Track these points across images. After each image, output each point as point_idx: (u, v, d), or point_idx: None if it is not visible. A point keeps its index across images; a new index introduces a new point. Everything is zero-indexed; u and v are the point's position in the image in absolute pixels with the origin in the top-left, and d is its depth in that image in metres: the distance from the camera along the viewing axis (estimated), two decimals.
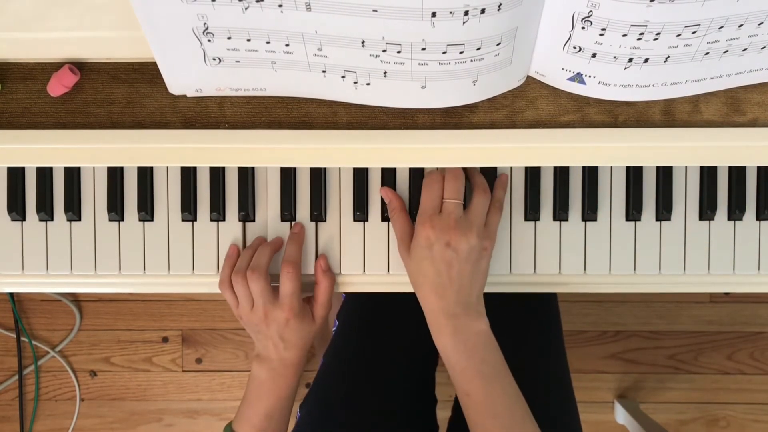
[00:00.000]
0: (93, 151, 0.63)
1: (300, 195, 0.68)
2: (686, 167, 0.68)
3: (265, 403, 0.68)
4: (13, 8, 0.58)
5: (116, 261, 0.69)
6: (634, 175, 0.68)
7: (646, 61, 0.56)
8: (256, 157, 0.63)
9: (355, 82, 0.58)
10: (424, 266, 0.62)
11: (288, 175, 0.68)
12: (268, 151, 0.63)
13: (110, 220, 0.68)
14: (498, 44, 0.54)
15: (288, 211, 0.68)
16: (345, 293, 0.96)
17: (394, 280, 0.68)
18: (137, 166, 0.68)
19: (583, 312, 1.45)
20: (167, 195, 0.68)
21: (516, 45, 0.56)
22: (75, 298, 1.47)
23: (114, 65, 0.63)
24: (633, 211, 0.68)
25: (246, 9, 0.51)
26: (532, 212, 0.68)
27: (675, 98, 0.62)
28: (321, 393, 0.83)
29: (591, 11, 0.52)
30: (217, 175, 0.68)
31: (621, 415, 1.40)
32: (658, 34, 0.53)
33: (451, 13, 0.49)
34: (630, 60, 0.56)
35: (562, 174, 0.68)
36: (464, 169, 0.66)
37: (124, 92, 0.63)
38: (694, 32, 0.53)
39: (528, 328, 0.84)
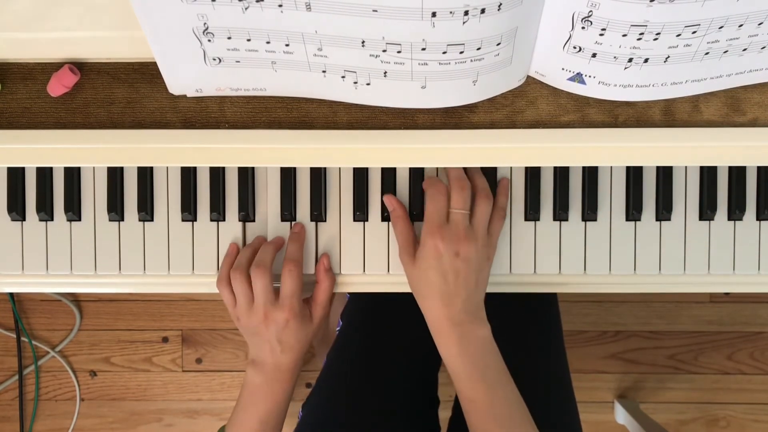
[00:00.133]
0: (93, 151, 0.63)
1: (300, 195, 0.68)
2: (686, 167, 0.68)
3: (260, 408, 0.67)
4: (13, 8, 0.58)
5: (116, 261, 0.69)
6: (634, 175, 0.68)
7: (646, 61, 0.56)
8: (256, 157, 0.63)
9: (355, 82, 0.58)
10: (431, 275, 0.62)
11: (288, 175, 0.68)
12: (268, 151, 0.63)
13: (110, 220, 0.68)
14: (498, 44, 0.54)
15: (288, 211, 0.68)
16: (349, 294, 0.96)
17: (394, 280, 0.68)
18: (137, 166, 0.68)
19: (583, 312, 1.45)
20: (167, 195, 0.68)
21: (516, 45, 0.56)
22: (75, 298, 1.47)
23: (114, 65, 0.63)
24: (633, 211, 0.68)
25: (246, 9, 0.51)
26: (532, 212, 0.68)
27: (675, 98, 0.62)
28: (323, 393, 0.83)
29: (591, 11, 0.52)
30: (217, 175, 0.68)
31: (621, 415, 1.40)
32: (658, 34, 0.53)
33: (451, 13, 0.49)
34: (630, 60, 0.56)
35: (562, 174, 0.68)
36: (465, 169, 0.66)
37: (124, 92, 0.63)
38: (694, 32, 0.53)
39: (528, 328, 0.84)
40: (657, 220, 0.68)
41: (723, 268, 0.68)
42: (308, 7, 0.50)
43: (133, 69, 0.63)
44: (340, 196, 0.69)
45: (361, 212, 0.68)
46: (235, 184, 0.68)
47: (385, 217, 0.68)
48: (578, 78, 0.59)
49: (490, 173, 0.68)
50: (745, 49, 0.57)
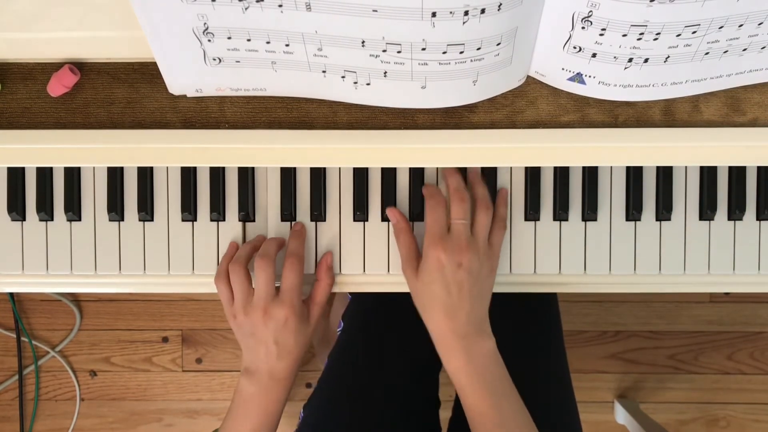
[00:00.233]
0: (93, 151, 0.63)
1: (300, 195, 0.68)
2: (686, 167, 0.68)
3: (252, 419, 0.65)
4: (13, 8, 0.58)
5: (116, 261, 0.69)
6: (634, 175, 0.68)
7: (646, 61, 0.56)
8: (256, 157, 0.63)
9: (355, 82, 0.58)
10: (435, 288, 0.62)
11: (288, 175, 0.68)
12: (268, 151, 0.63)
13: (110, 220, 0.68)
14: (498, 44, 0.54)
15: (288, 211, 0.68)
16: (351, 294, 0.96)
17: (394, 280, 0.68)
18: (137, 166, 0.68)
19: (583, 312, 1.45)
20: (167, 195, 0.68)
21: (516, 45, 0.56)
22: (75, 298, 1.47)
23: (114, 65, 0.63)
24: (633, 211, 0.68)
25: (246, 9, 0.51)
26: (532, 212, 0.68)
27: (675, 98, 0.62)
28: (324, 394, 0.83)
29: (591, 11, 0.52)
30: (217, 175, 0.68)
31: (621, 415, 1.40)
32: (658, 34, 0.53)
33: (451, 13, 0.49)
34: (630, 60, 0.56)
35: (562, 174, 0.68)
36: (465, 176, 0.66)
37: (124, 92, 0.63)
38: (694, 32, 0.53)
39: (528, 328, 0.84)
40: (657, 220, 0.68)
41: (723, 268, 0.68)
42: (308, 7, 0.50)
43: (133, 69, 0.63)
44: (340, 196, 0.69)
45: (361, 212, 0.68)
46: (235, 184, 0.68)
47: (386, 217, 0.68)
48: (578, 78, 0.59)
49: (490, 174, 0.68)
50: (745, 49, 0.57)
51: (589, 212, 0.68)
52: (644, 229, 0.68)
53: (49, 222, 0.69)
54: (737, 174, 0.68)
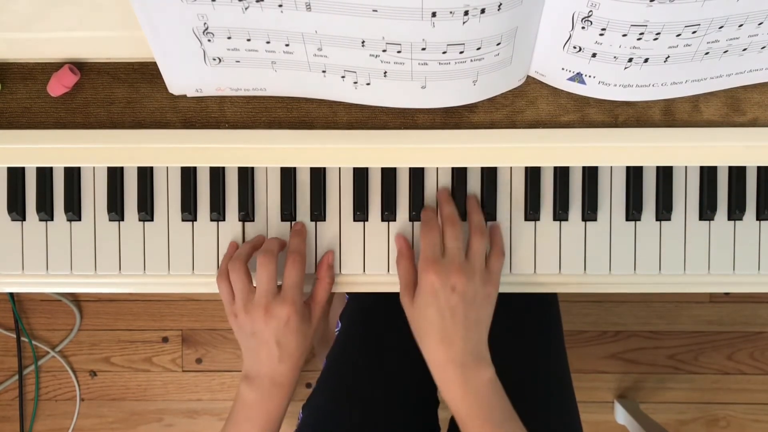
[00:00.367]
0: (93, 151, 0.63)
1: (300, 195, 0.68)
2: (686, 167, 0.68)
3: (253, 426, 0.64)
4: (13, 8, 0.58)
5: (116, 261, 0.69)
6: (634, 175, 0.68)
7: (646, 61, 0.56)
8: (256, 157, 0.63)
9: (355, 82, 0.58)
10: (429, 313, 0.61)
11: (288, 175, 0.68)
12: (268, 151, 0.63)
13: (110, 220, 0.68)
14: (498, 44, 0.54)
15: (288, 211, 0.68)
16: (348, 295, 0.96)
17: (394, 280, 0.68)
18: (137, 166, 0.68)
19: (583, 312, 1.45)
20: (167, 195, 0.68)
21: (516, 45, 0.56)
22: (75, 298, 1.47)
23: (114, 65, 0.64)
24: (633, 211, 0.68)
25: (246, 9, 0.51)
26: (532, 212, 0.68)
27: (675, 98, 0.62)
28: (323, 394, 0.83)
29: (591, 11, 0.52)
30: (217, 175, 0.68)
31: (621, 415, 1.40)
32: (658, 34, 0.53)
33: (451, 13, 0.49)
34: (630, 60, 0.56)
35: (562, 174, 0.68)
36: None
37: (124, 92, 0.63)
38: (694, 32, 0.53)
39: (528, 328, 0.84)
40: (657, 220, 0.68)
41: (723, 268, 0.68)
42: (308, 7, 0.50)
43: (133, 69, 0.63)
44: (340, 196, 0.69)
45: (361, 212, 0.68)
46: (235, 184, 0.68)
47: (385, 217, 0.68)
48: (578, 78, 0.59)
49: (490, 174, 0.68)
50: (745, 49, 0.57)
51: (589, 212, 0.68)
52: (644, 229, 0.68)
53: (49, 222, 0.69)
54: (737, 174, 0.68)
